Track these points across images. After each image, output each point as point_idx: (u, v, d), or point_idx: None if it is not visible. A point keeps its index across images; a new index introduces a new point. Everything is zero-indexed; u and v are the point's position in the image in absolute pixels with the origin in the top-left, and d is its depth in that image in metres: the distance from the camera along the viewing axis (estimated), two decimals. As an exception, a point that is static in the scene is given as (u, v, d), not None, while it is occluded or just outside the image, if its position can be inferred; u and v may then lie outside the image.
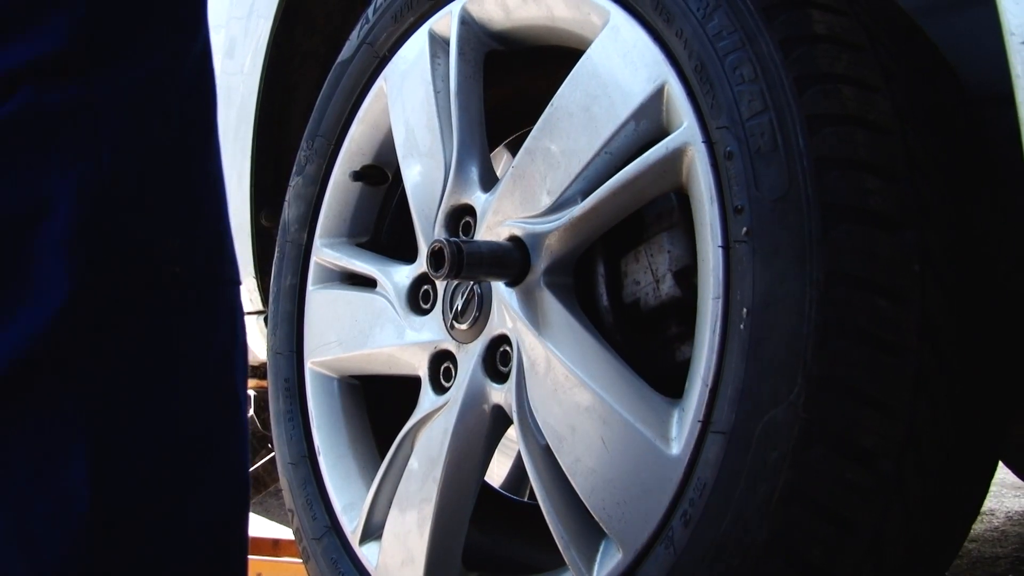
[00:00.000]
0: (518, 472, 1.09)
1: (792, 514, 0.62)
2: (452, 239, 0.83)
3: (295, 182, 1.22)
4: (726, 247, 0.67)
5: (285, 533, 1.86)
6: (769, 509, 0.62)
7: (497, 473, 1.29)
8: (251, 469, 1.67)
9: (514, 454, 1.12)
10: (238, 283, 0.66)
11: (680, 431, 0.70)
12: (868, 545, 0.62)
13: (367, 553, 1.04)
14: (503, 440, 1.10)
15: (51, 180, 0.54)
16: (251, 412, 1.65)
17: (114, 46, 0.56)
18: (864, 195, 0.62)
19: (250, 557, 1.63)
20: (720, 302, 0.67)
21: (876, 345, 0.60)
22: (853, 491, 0.61)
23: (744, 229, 0.65)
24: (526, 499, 1.11)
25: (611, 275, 0.88)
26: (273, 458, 1.72)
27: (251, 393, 1.64)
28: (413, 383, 1.02)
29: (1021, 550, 2.19)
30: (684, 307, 0.80)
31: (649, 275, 0.84)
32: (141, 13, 0.58)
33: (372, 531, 1.05)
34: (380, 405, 1.17)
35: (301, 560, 1.14)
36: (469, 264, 0.82)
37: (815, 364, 0.60)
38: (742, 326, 0.65)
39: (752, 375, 0.63)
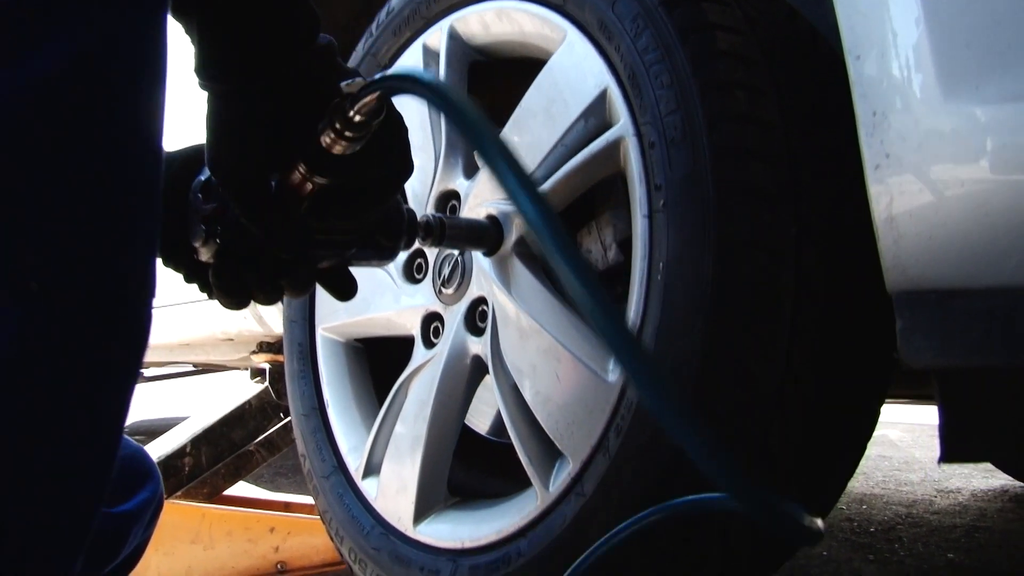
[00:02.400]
0: (499, 418, 1.28)
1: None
2: (437, 214, 1.00)
3: (307, 173, 1.40)
4: (649, 216, 0.85)
5: (295, 499, 2.04)
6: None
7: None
8: (267, 434, 1.85)
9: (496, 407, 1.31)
10: None
11: (616, 365, 0.88)
12: (758, 451, 0.80)
13: (368, 487, 1.22)
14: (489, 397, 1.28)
15: None
16: (267, 383, 1.83)
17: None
18: (750, 176, 0.79)
19: (264, 512, 1.82)
20: (645, 261, 0.86)
21: (758, 291, 0.78)
22: (742, 407, 0.79)
23: (662, 202, 0.83)
24: (506, 442, 1.29)
25: (570, 246, 1.06)
26: (286, 424, 1.90)
27: (266, 366, 1.83)
28: (407, 346, 1.20)
29: (978, 520, 2.36)
30: (627, 271, 0.98)
31: (599, 245, 1.02)
32: None
33: (372, 468, 1.23)
34: (380, 364, 1.36)
35: (311, 496, 1.32)
36: (450, 236, 0.99)
37: (711, 305, 0.78)
38: (659, 277, 0.83)
39: (666, 315, 0.81)
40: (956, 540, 2.13)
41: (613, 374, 0.88)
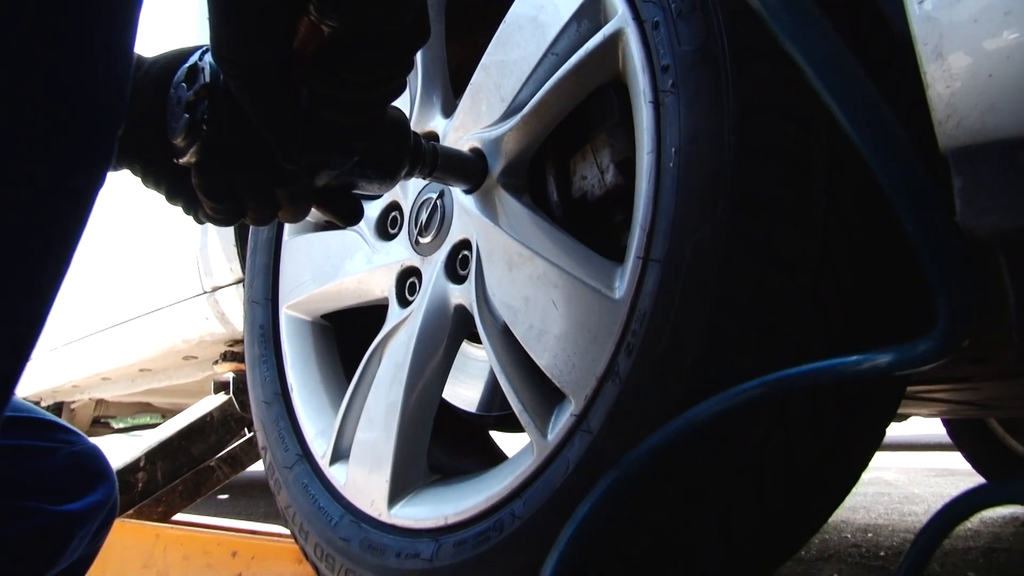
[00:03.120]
0: (489, 392, 1.15)
1: (721, 324, 0.67)
2: (430, 142, 0.88)
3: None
4: (656, 102, 0.74)
5: (262, 528, 1.87)
6: (700, 322, 0.68)
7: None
8: (229, 449, 1.69)
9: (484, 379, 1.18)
10: None
11: (622, 281, 0.76)
12: (793, 352, 0.68)
13: (336, 473, 1.08)
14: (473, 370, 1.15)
15: None
16: (230, 395, 1.68)
17: None
18: (771, 40, 0.69)
19: (225, 533, 1.64)
20: (653, 155, 0.74)
21: (787, 163, 0.67)
22: (773, 295, 0.67)
23: (671, 82, 0.73)
24: (495, 415, 1.15)
25: (560, 176, 0.95)
26: (250, 439, 1.75)
27: (230, 376, 1.68)
28: (379, 322, 1.07)
29: (993, 543, 2.23)
30: (626, 196, 0.87)
31: (595, 168, 0.91)
32: None
33: (341, 453, 1.09)
34: (350, 345, 1.23)
35: (273, 491, 1.17)
36: (442, 166, 0.87)
37: (735, 183, 0.67)
38: (672, 164, 0.72)
39: (682, 203, 0.70)
40: (974, 561, 2.00)
41: (620, 290, 0.76)
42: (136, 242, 1.83)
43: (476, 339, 1.17)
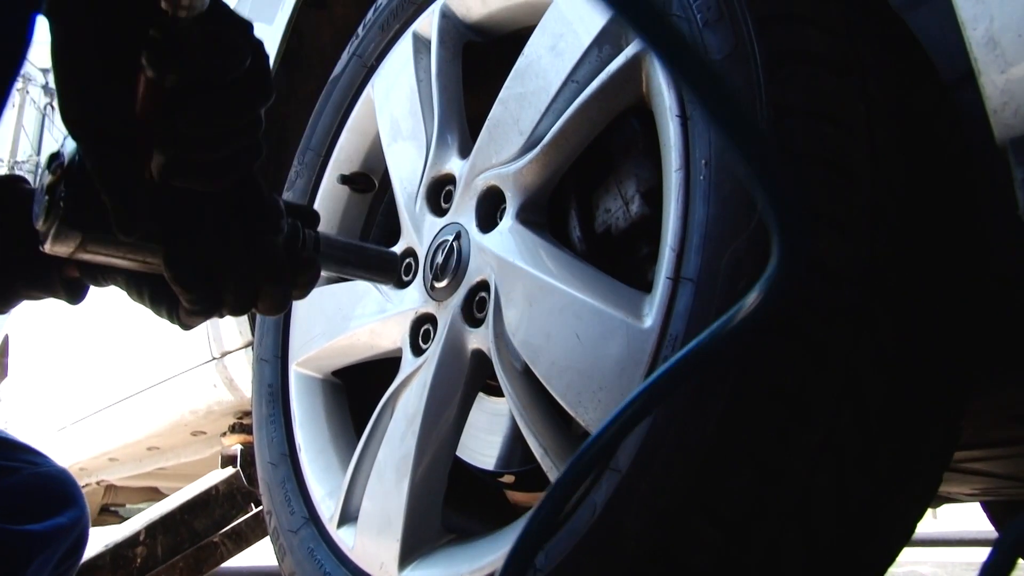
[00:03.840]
0: (510, 446, 1.07)
1: (761, 342, 0.61)
2: (314, 232, 0.79)
3: (286, 197, 1.26)
4: (683, 116, 0.70)
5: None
6: (736, 338, 0.62)
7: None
8: (234, 524, 1.61)
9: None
10: None
11: (651, 307, 0.70)
12: (843, 371, 0.61)
13: (344, 536, 1.01)
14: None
15: None
16: (237, 468, 1.61)
17: None
18: (804, 41, 0.66)
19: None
20: (682, 172, 0.70)
21: (827, 167, 0.62)
22: (820, 312, 0.61)
23: (698, 93, 0.69)
24: (516, 469, 1.07)
25: (582, 211, 0.91)
26: (256, 515, 1.66)
27: (238, 448, 1.62)
28: (392, 379, 1.01)
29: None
30: (652, 227, 0.83)
31: (619, 200, 0.87)
32: None
33: (349, 515, 1.02)
34: (361, 404, 1.17)
35: (276, 558, 1.09)
36: (329, 255, 0.80)
37: (771, 190, 0.62)
38: (702, 177, 0.67)
39: (714, 216, 0.65)
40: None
41: (649, 317, 0.70)
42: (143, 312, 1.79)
43: (491, 390, 1.11)
